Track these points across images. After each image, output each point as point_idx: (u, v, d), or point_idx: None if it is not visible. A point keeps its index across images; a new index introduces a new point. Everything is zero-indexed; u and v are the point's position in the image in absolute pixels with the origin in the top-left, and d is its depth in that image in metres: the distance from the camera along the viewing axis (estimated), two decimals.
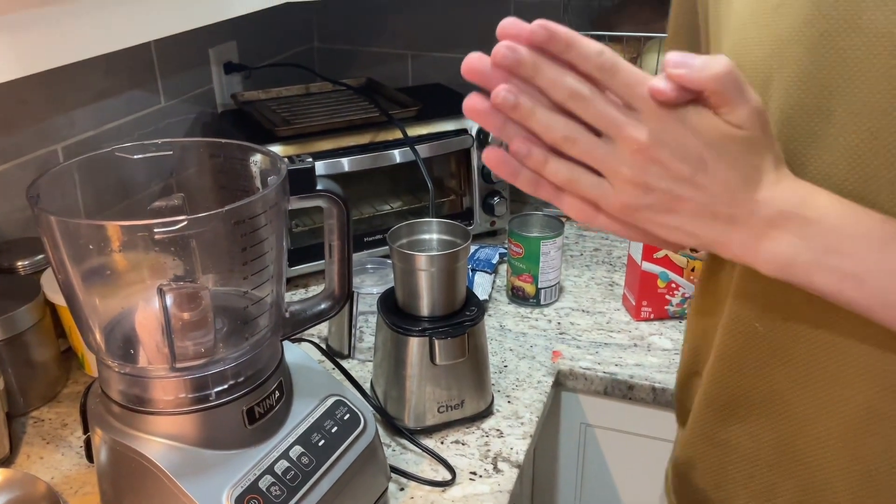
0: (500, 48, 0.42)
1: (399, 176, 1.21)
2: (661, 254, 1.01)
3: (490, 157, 0.46)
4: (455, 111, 1.21)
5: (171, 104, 1.20)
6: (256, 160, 0.69)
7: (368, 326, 1.00)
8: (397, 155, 1.13)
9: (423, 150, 1.14)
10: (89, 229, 0.56)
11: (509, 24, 0.42)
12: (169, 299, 0.58)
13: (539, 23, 0.42)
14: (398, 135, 1.13)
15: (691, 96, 0.42)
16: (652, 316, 1.05)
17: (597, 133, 0.44)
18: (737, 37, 0.52)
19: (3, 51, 0.58)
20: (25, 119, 0.96)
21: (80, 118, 1.04)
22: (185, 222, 0.53)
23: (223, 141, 0.68)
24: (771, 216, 0.44)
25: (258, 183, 0.69)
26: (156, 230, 0.53)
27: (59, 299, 0.87)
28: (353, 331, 0.98)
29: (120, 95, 1.10)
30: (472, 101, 0.44)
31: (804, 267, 0.45)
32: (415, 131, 1.15)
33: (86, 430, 0.67)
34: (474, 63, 0.43)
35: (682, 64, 0.41)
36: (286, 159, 0.65)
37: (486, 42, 0.44)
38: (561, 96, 0.43)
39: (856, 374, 0.50)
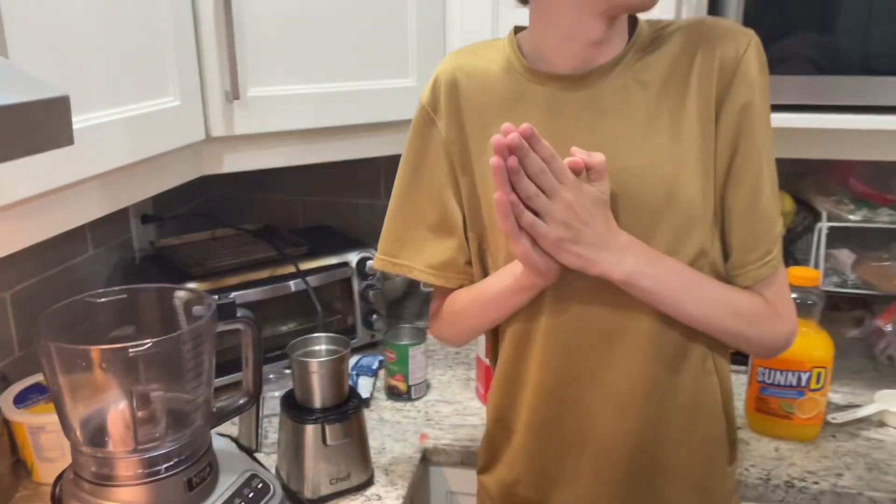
0: (513, 137, 0.74)
1: (294, 302, 1.48)
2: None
3: (500, 202, 0.76)
4: (339, 248, 1.51)
5: (97, 252, 1.44)
6: (181, 296, 0.95)
7: (272, 426, 1.23)
8: (292, 286, 1.41)
9: (313, 280, 1.42)
10: (80, 352, 0.80)
11: (507, 126, 0.75)
12: (135, 400, 0.82)
13: (525, 126, 0.74)
14: (292, 269, 1.41)
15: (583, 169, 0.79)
16: None
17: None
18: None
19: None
20: None
21: (25, 268, 1.26)
22: (150, 344, 0.79)
23: (166, 286, 0.94)
24: (623, 244, 0.80)
25: (183, 315, 0.94)
26: (130, 350, 0.78)
27: (13, 416, 1.07)
28: (259, 429, 1.21)
29: (57, 248, 1.33)
30: (498, 167, 0.75)
31: (638, 273, 0.80)
32: (306, 265, 1.43)
33: None
34: (502, 141, 0.75)
35: (582, 152, 0.79)
36: (215, 296, 0.92)
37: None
38: (532, 170, 0.76)
39: (625, 362, 0.86)
